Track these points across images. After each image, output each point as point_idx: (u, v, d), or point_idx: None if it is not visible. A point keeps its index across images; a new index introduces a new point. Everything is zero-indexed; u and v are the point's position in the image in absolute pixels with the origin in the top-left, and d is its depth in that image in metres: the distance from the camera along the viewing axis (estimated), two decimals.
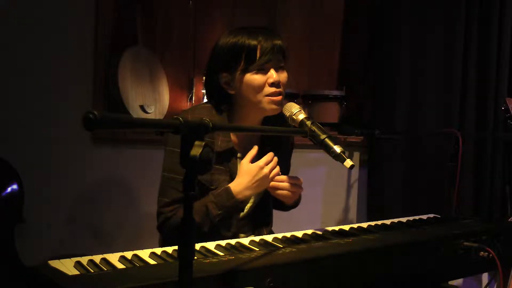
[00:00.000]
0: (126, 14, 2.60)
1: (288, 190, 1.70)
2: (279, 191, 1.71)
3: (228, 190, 1.66)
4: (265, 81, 1.66)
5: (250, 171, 1.66)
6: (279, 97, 1.67)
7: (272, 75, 1.65)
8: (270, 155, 1.69)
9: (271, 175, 1.67)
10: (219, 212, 1.64)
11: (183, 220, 0.96)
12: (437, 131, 2.98)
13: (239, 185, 1.66)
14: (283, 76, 1.69)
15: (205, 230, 1.64)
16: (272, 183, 1.70)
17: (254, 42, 1.64)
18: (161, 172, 1.71)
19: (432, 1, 3.04)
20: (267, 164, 1.67)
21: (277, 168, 1.70)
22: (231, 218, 1.71)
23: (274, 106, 1.68)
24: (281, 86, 1.68)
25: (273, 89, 1.66)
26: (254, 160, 1.76)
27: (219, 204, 1.65)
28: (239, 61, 1.65)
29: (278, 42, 1.67)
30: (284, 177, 1.71)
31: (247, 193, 1.67)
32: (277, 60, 1.67)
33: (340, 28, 3.32)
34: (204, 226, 1.65)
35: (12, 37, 2.28)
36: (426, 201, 3.03)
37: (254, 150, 1.70)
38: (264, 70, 1.66)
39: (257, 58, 1.63)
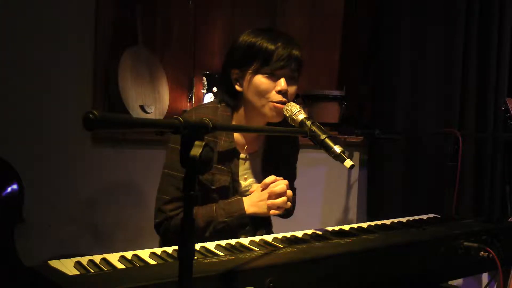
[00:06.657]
0: (126, 14, 2.60)
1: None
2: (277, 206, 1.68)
3: (240, 201, 1.67)
4: (273, 87, 1.64)
5: (260, 191, 1.67)
6: (283, 106, 1.64)
7: (281, 83, 1.64)
8: (283, 183, 1.67)
9: (270, 202, 1.65)
10: (225, 219, 1.65)
11: (183, 220, 0.96)
12: (437, 131, 2.98)
13: (248, 199, 1.68)
14: (292, 88, 1.67)
15: (207, 236, 1.64)
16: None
17: (271, 47, 1.62)
18: (162, 169, 1.71)
19: (432, 1, 3.05)
20: (271, 191, 1.65)
21: (281, 199, 1.66)
22: (232, 231, 1.68)
23: (275, 113, 1.66)
24: (288, 97, 1.66)
25: (279, 97, 1.64)
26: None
27: (227, 211, 1.65)
28: (253, 62, 1.64)
29: (296, 52, 1.64)
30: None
31: (252, 209, 1.67)
32: (290, 70, 1.65)
33: (340, 28, 3.32)
34: (207, 231, 1.65)
35: (12, 37, 2.28)
36: (426, 201, 3.03)
37: (284, 185, 1.67)
38: (275, 76, 1.64)
39: (271, 62, 1.62)
